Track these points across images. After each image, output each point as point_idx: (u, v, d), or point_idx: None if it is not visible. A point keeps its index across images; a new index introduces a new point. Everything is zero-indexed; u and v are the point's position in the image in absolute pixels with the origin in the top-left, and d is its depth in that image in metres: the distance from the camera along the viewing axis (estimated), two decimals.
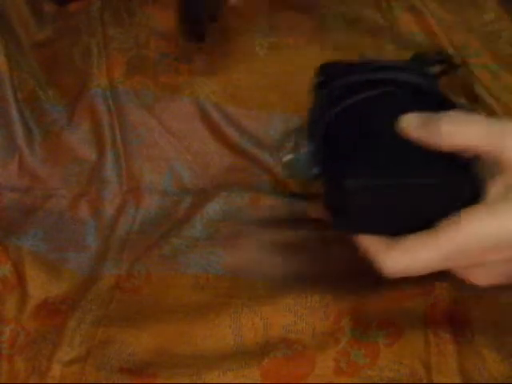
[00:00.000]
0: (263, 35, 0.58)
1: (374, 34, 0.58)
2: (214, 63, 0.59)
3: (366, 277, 0.47)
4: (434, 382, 0.40)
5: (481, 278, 0.37)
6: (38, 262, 0.51)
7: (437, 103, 0.38)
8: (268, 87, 0.58)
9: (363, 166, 0.35)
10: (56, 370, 0.44)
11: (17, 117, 0.59)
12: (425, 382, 0.40)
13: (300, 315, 0.45)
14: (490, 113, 0.55)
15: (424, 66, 0.46)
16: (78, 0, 0.64)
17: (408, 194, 0.35)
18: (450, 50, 0.57)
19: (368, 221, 0.36)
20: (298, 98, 0.58)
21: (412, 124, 0.36)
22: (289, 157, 0.42)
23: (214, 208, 0.54)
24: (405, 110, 0.37)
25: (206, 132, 0.58)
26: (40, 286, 0.50)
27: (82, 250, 0.53)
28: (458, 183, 0.35)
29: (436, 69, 0.49)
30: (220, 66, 0.59)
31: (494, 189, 0.34)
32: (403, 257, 0.35)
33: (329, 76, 0.43)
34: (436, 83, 0.43)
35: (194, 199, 0.56)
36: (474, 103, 0.56)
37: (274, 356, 0.43)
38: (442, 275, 0.46)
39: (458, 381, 0.40)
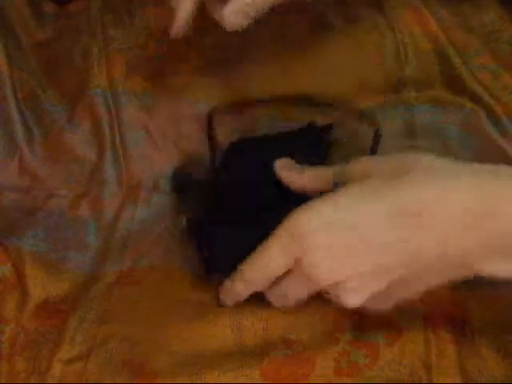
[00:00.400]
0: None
1: (373, 34, 0.58)
2: (215, 64, 0.59)
3: None
4: (434, 381, 0.40)
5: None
6: (38, 261, 0.51)
7: None
8: (267, 88, 0.59)
9: (225, 215, 0.46)
10: (56, 369, 0.44)
11: (17, 117, 0.59)
12: (424, 381, 0.40)
13: (300, 315, 0.45)
14: (490, 113, 0.55)
15: (313, 133, 0.55)
16: (77, 0, 0.64)
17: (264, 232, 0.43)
18: (450, 50, 0.57)
19: (235, 260, 0.43)
20: (298, 101, 0.58)
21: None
22: (184, 219, 0.50)
23: None
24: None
25: (204, 135, 0.59)
26: (40, 286, 0.50)
27: (82, 249, 0.53)
28: None
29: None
30: (220, 66, 0.59)
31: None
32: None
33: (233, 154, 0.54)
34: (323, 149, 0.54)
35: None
36: (474, 103, 0.56)
37: (274, 356, 0.43)
38: None
39: (458, 381, 0.40)
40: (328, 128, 0.57)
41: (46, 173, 0.59)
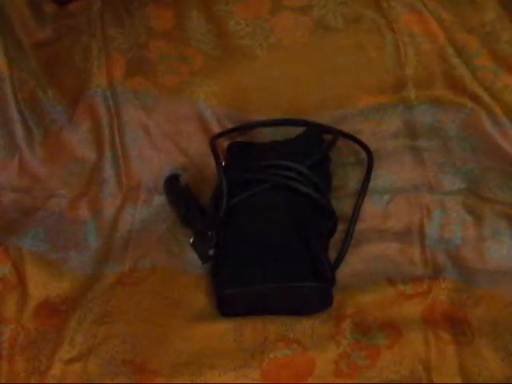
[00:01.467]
0: (264, 36, 0.58)
1: (373, 34, 0.58)
2: (215, 64, 0.59)
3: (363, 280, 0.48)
4: (434, 382, 0.40)
5: None
6: (38, 261, 0.51)
7: (313, 184, 0.51)
8: (267, 89, 0.59)
9: (239, 275, 0.47)
10: (56, 369, 0.44)
11: (17, 117, 0.59)
12: (424, 382, 0.40)
13: (300, 317, 0.45)
14: (490, 113, 0.55)
15: (315, 138, 0.56)
16: (77, 0, 0.64)
17: (275, 294, 0.46)
18: (450, 50, 0.57)
19: (248, 310, 0.46)
20: (297, 101, 0.58)
21: None
22: (192, 239, 0.51)
23: None
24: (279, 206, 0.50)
25: (202, 135, 0.59)
26: (41, 286, 0.50)
27: (82, 249, 0.53)
28: (313, 287, 0.45)
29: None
30: (220, 66, 0.59)
31: None
32: None
33: (233, 161, 0.55)
34: (324, 150, 0.55)
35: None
36: (474, 103, 0.56)
37: (274, 356, 0.42)
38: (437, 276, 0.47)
39: (458, 381, 0.40)
40: (328, 129, 0.57)
41: (46, 173, 0.59)
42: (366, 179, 0.53)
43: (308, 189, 0.50)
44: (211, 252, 0.50)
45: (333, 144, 0.55)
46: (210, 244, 0.50)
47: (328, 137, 0.57)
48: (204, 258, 0.50)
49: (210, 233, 0.50)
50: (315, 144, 0.56)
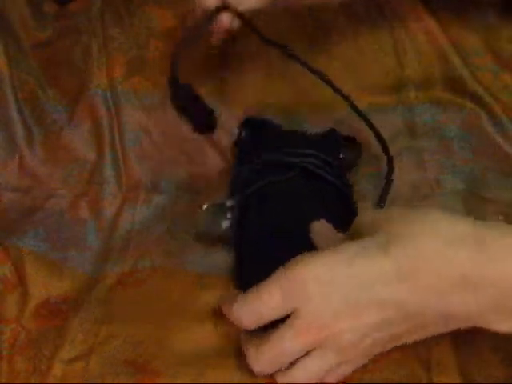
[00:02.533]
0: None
1: (374, 34, 0.58)
2: (214, 64, 0.59)
3: None
4: (434, 381, 0.40)
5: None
6: (38, 261, 0.51)
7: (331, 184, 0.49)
8: (267, 89, 0.59)
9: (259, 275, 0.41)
10: (57, 369, 0.44)
11: (17, 117, 0.59)
12: (424, 382, 0.40)
13: None
14: (490, 113, 0.55)
15: (334, 144, 0.54)
16: (78, 0, 0.64)
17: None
18: (450, 50, 0.57)
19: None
20: (296, 101, 0.59)
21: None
22: (205, 206, 0.48)
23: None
24: (302, 199, 0.48)
25: (202, 135, 0.59)
26: (41, 286, 0.50)
27: (83, 249, 0.53)
28: None
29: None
30: (220, 66, 0.59)
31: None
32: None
33: (251, 135, 0.54)
34: (340, 161, 0.53)
35: (192, 197, 0.56)
36: (474, 103, 0.56)
37: None
38: None
39: (458, 381, 0.40)
40: (350, 139, 0.55)
41: (46, 173, 0.59)
42: (388, 178, 0.51)
43: (334, 179, 0.49)
44: (225, 224, 0.48)
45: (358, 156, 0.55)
46: (225, 216, 0.48)
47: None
48: (213, 229, 0.48)
49: (229, 203, 0.48)
50: (335, 147, 0.54)
